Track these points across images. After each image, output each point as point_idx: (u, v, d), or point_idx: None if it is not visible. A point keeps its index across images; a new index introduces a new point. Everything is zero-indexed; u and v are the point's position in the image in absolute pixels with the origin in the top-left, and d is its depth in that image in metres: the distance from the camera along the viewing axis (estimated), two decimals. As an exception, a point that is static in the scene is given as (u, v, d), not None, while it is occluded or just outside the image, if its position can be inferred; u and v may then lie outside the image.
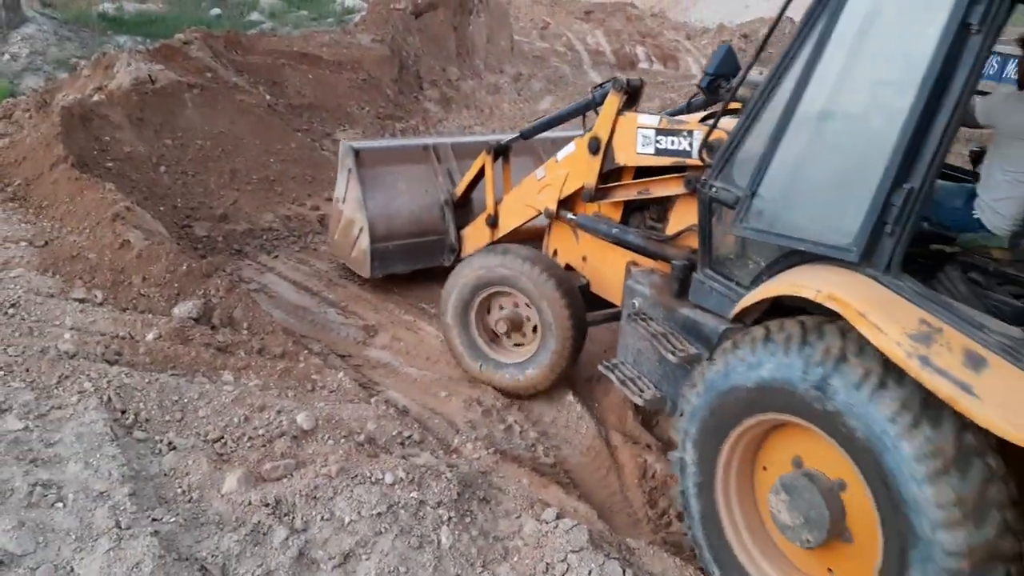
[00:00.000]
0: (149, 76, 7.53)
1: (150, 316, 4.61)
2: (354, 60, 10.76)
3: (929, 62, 2.56)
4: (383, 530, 3.08)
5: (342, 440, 3.67)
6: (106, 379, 3.75)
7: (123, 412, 3.61)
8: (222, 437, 3.60)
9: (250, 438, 3.60)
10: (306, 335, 5.20)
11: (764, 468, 3.14)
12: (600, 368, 4.12)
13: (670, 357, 3.52)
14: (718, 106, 3.99)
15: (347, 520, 3.11)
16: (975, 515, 2.39)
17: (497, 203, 5.30)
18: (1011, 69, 9.89)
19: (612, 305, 4.61)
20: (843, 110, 3.00)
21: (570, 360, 4.56)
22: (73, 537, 2.82)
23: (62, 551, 2.76)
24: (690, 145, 3.92)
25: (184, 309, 4.69)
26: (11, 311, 4.34)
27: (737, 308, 3.20)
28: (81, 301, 4.62)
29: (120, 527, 2.88)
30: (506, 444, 4.18)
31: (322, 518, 3.11)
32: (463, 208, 5.86)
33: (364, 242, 5.79)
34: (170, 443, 3.49)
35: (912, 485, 2.44)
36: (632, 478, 4.14)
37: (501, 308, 4.75)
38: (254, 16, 16.47)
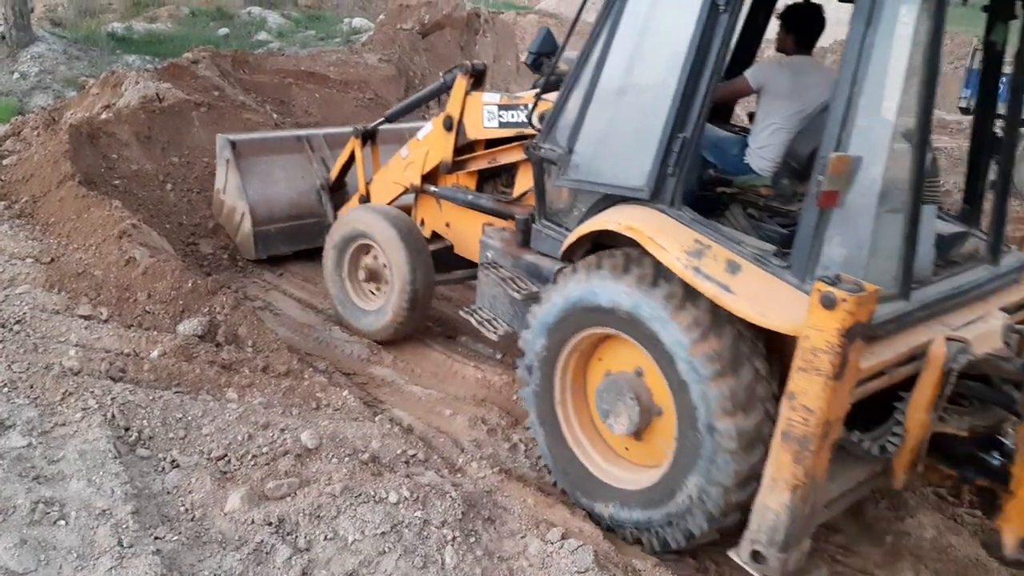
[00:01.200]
0: (156, 94, 7.58)
1: (155, 333, 4.60)
2: (361, 79, 10.81)
3: (691, 37, 3.28)
4: (387, 550, 3.05)
5: (346, 458, 3.65)
6: (110, 396, 3.74)
7: (127, 429, 3.59)
8: (225, 455, 3.58)
9: (254, 456, 3.58)
10: (311, 353, 5.19)
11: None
12: (461, 313, 4.70)
13: (515, 295, 4.21)
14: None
15: (351, 540, 3.08)
16: (745, 406, 3.06)
17: (368, 183, 5.81)
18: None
19: (473, 266, 4.96)
20: (633, 79, 3.75)
21: (412, 310, 5.07)
22: (75, 555, 2.80)
23: (64, 569, 2.74)
24: (526, 117, 4.44)
25: (189, 326, 4.68)
26: (16, 327, 4.34)
27: (564, 246, 3.90)
28: (86, 318, 4.62)
29: (122, 545, 2.86)
30: (511, 463, 4.15)
31: (325, 537, 3.08)
32: (338, 192, 6.34)
33: (247, 227, 6.33)
34: (173, 461, 3.47)
35: (699, 384, 3.10)
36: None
37: (375, 259, 5.27)
38: (261, 36, 16.59)
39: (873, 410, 3.15)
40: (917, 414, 3.07)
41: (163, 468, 3.42)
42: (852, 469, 3.29)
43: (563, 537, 3.27)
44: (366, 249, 5.31)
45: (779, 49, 4.31)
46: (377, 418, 4.23)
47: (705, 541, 3.35)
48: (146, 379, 4.11)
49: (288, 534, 3.09)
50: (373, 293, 5.41)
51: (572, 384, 3.82)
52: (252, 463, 3.54)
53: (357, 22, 18.81)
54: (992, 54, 3.77)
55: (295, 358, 4.72)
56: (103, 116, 7.12)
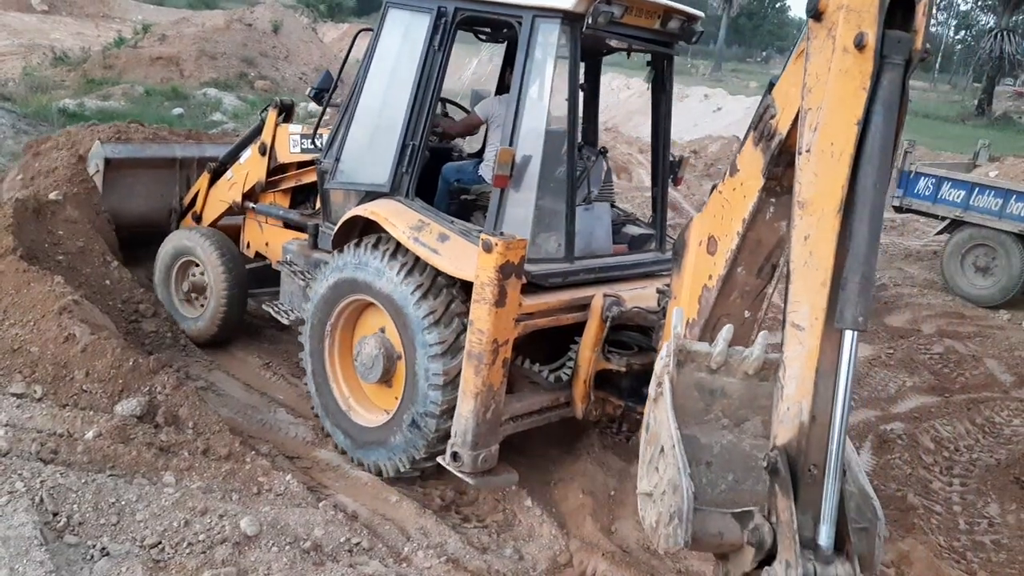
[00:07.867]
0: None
1: (91, 413, 4.43)
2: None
3: (416, 68, 4.57)
4: (327, 645, 2.92)
5: (287, 547, 3.52)
6: (39, 479, 3.58)
7: (55, 515, 3.43)
8: (160, 543, 3.43)
9: (189, 544, 3.44)
10: (254, 435, 5.04)
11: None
12: (263, 307, 5.74)
13: (300, 283, 5.24)
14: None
15: (289, 634, 2.94)
16: (443, 320, 4.18)
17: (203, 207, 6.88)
18: (947, 190, 10.51)
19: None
20: (380, 102, 4.97)
21: (229, 316, 6.11)
22: (-10, 652, 2.62)
23: (-24, 668, 2.56)
24: (321, 143, 5.46)
25: (127, 407, 4.52)
26: (-58, 406, 4.15)
27: (332, 237, 4.91)
28: (19, 396, 4.44)
29: (43, 641, 2.69)
30: (459, 552, 4.04)
31: (263, 631, 2.94)
32: (187, 215, 7.16)
33: None
34: (103, 548, 3.31)
35: (411, 307, 4.21)
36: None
37: (192, 275, 6.32)
38: (216, 116, 16.66)
39: (560, 353, 4.45)
40: (585, 352, 4.29)
41: (92, 556, 3.26)
42: (537, 395, 4.51)
43: (511, 630, 3.18)
44: (192, 263, 6.27)
45: (506, 85, 5.31)
46: (321, 504, 4.11)
47: (439, 441, 4.17)
48: (79, 461, 3.94)
49: (223, 628, 2.94)
50: (196, 301, 6.36)
51: (340, 348, 4.83)
52: (187, 551, 3.39)
53: (312, 106, 19.01)
54: (657, 100, 5.10)
55: (237, 441, 4.58)
56: (53, 196, 6.98)
